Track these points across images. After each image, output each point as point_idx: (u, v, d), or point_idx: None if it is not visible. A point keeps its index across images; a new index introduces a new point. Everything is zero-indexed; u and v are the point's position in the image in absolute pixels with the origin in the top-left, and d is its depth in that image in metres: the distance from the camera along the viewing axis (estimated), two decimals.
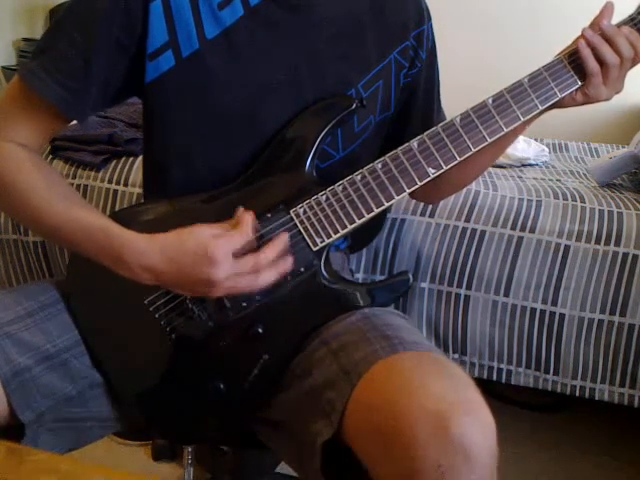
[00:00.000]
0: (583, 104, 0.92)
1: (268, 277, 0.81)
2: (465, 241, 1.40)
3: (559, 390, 1.41)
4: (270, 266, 0.81)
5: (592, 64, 0.88)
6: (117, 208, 1.53)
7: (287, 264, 0.83)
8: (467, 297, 1.40)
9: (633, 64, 0.90)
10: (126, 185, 1.54)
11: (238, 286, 0.79)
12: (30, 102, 0.87)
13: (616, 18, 0.91)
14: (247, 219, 0.81)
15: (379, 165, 0.88)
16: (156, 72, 0.88)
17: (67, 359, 0.87)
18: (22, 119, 0.88)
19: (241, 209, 0.83)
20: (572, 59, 0.90)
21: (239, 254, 0.79)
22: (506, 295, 1.38)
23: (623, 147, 2.20)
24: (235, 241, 0.79)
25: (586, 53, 0.88)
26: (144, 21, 0.86)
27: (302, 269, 0.87)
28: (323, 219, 0.87)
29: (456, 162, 0.89)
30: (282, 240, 0.83)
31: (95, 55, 0.85)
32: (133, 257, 0.78)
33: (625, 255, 1.35)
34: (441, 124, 0.89)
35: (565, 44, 0.93)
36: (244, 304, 0.86)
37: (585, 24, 0.91)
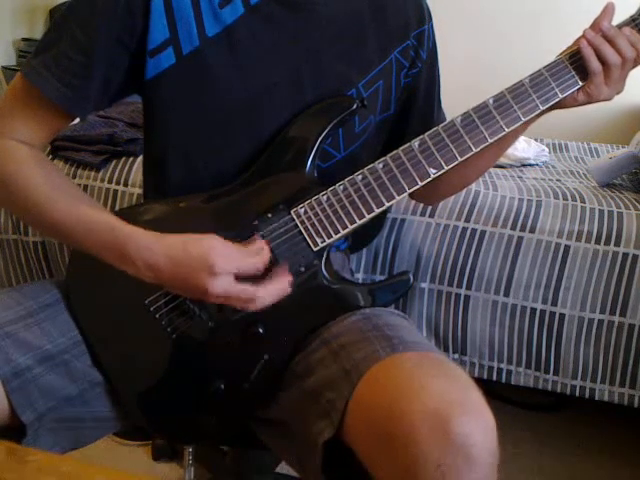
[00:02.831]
0: (584, 104, 0.93)
1: (261, 305, 0.80)
2: (465, 241, 1.40)
3: (559, 390, 1.41)
4: (266, 296, 0.79)
5: (594, 63, 0.88)
6: (117, 208, 1.53)
7: (285, 292, 0.82)
8: (467, 297, 1.40)
9: (635, 65, 0.90)
10: (126, 185, 1.54)
11: (231, 303, 0.79)
12: (32, 99, 0.87)
13: (617, 19, 0.91)
14: (265, 251, 0.80)
15: (380, 165, 0.88)
16: (156, 69, 0.88)
17: (68, 359, 0.87)
18: (24, 116, 0.88)
19: (260, 240, 0.82)
20: (573, 59, 0.90)
21: (242, 277, 0.78)
22: (506, 295, 1.38)
23: (623, 147, 2.20)
24: (242, 265, 0.77)
25: (588, 52, 0.88)
26: (145, 18, 0.86)
27: (302, 269, 0.87)
28: (324, 219, 0.87)
29: (457, 162, 0.89)
30: (285, 277, 0.82)
31: (96, 52, 0.86)
32: (137, 252, 0.78)
33: (625, 255, 1.35)
34: (442, 124, 0.89)
35: (564, 44, 0.94)
36: None
37: (584, 25, 0.91)
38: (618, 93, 0.92)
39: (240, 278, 0.77)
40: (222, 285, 0.76)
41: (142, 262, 0.78)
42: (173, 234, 0.79)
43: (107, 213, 0.84)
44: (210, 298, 0.78)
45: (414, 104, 1.03)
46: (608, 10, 0.91)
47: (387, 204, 0.88)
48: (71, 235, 0.83)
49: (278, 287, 0.80)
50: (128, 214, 0.91)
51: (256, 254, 0.80)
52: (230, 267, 0.76)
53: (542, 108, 0.90)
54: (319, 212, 0.87)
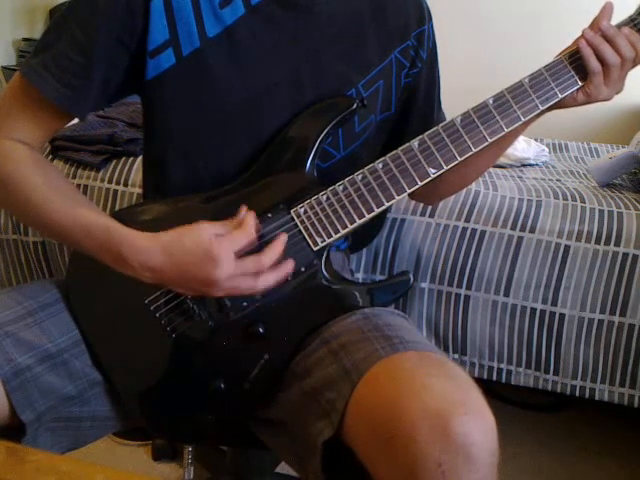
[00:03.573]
0: (584, 104, 0.93)
1: (269, 280, 0.81)
2: (465, 241, 1.40)
3: (559, 390, 1.41)
4: (271, 269, 0.81)
5: (594, 63, 0.88)
6: (117, 208, 1.53)
7: (288, 267, 0.83)
8: (467, 297, 1.40)
9: (634, 65, 0.91)
10: (126, 185, 1.54)
11: (239, 287, 0.79)
12: (31, 99, 0.87)
13: (615, 19, 0.91)
14: (250, 219, 0.81)
15: (380, 165, 0.88)
16: (156, 70, 0.88)
17: (67, 358, 0.87)
18: (23, 116, 0.88)
19: (244, 209, 0.83)
20: (572, 59, 0.90)
21: (241, 254, 0.79)
22: (506, 295, 1.38)
23: (623, 147, 2.20)
24: (238, 241, 0.79)
25: (587, 52, 0.88)
26: (145, 19, 0.86)
27: (303, 269, 0.87)
28: (324, 219, 0.87)
29: (457, 162, 0.89)
30: (282, 241, 0.83)
31: (96, 52, 0.86)
32: (133, 255, 0.78)
33: (625, 255, 1.35)
34: (442, 124, 0.89)
35: (564, 44, 0.94)
36: (245, 304, 0.86)
37: (584, 25, 0.91)
38: (618, 93, 0.92)
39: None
40: (227, 270, 0.76)
41: (138, 263, 0.78)
42: (167, 232, 0.79)
43: (104, 215, 0.84)
44: (218, 288, 0.78)
45: (414, 104, 1.03)
46: (606, 10, 0.91)
47: (387, 204, 0.88)
48: (68, 236, 0.83)
49: (278, 250, 0.81)
50: (126, 215, 0.91)
51: (241, 224, 0.80)
52: (229, 250, 0.77)
53: (542, 108, 0.90)
54: (319, 212, 0.87)
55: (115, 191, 1.54)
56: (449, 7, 2.53)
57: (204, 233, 0.78)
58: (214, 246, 0.76)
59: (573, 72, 0.90)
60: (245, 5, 0.89)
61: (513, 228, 1.39)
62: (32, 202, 0.84)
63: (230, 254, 0.77)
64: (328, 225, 0.87)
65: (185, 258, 0.77)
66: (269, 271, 0.81)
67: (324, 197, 0.87)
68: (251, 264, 0.79)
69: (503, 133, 0.89)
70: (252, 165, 0.91)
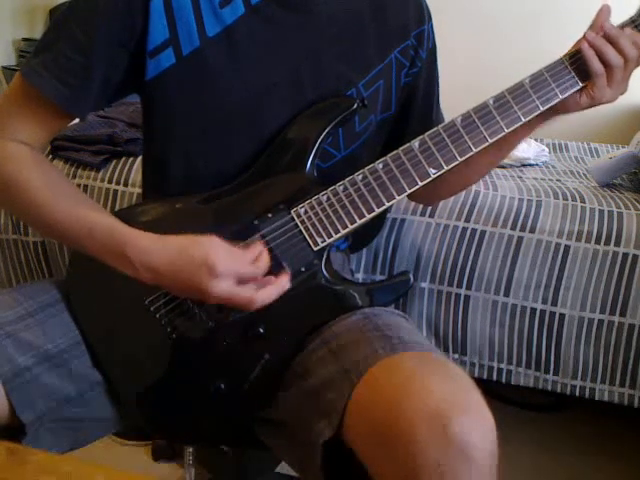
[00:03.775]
0: (588, 107, 0.92)
1: (261, 305, 0.79)
2: (465, 241, 1.40)
3: (559, 390, 1.41)
4: (265, 298, 0.79)
5: (596, 65, 0.88)
6: (117, 208, 1.53)
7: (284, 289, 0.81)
8: (467, 297, 1.40)
9: (637, 65, 0.90)
10: (126, 185, 1.54)
11: (230, 304, 0.79)
12: (31, 99, 0.87)
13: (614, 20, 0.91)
14: (265, 257, 0.80)
15: (380, 165, 0.88)
16: (156, 70, 0.88)
17: (67, 359, 0.87)
18: (24, 117, 0.88)
19: (260, 245, 0.82)
20: (573, 60, 0.90)
21: (242, 281, 0.78)
22: (506, 295, 1.38)
23: (623, 147, 2.20)
24: (242, 271, 0.78)
25: (590, 54, 0.88)
26: (144, 18, 0.86)
27: (303, 269, 0.87)
28: (324, 219, 0.87)
29: (457, 162, 0.89)
30: (284, 278, 0.81)
31: (96, 52, 0.86)
32: (136, 254, 0.78)
33: (625, 255, 1.35)
34: (442, 124, 0.89)
35: (564, 45, 0.94)
36: None
37: (584, 25, 0.91)
38: (622, 94, 0.92)
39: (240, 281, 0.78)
40: (222, 287, 0.76)
41: (141, 264, 0.78)
42: (173, 236, 0.79)
43: (107, 214, 0.84)
44: (210, 299, 0.78)
45: (413, 104, 1.03)
46: (603, 12, 0.91)
47: (387, 204, 0.88)
48: (71, 236, 0.83)
49: (277, 287, 0.80)
50: (127, 214, 0.91)
51: (256, 260, 0.79)
52: (230, 270, 0.76)
53: (542, 108, 0.90)
54: (319, 212, 0.87)
55: (115, 191, 1.54)
56: (450, 7, 2.52)
57: (210, 246, 0.77)
58: (215, 259, 0.75)
59: (573, 73, 0.90)
60: (245, 5, 0.89)
61: (513, 228, 1.39)
62: (35, 203, 0.84)
63: (229, 273, 0.76)
64: (328, 225, 0.87)
65: (186, 267, 0.76)
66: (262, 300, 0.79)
67: (324, 197, 0.87)
68: (245, 296, 0.77)
69: (503, 133, 0.89)
70: (252, 165, 0.91)
